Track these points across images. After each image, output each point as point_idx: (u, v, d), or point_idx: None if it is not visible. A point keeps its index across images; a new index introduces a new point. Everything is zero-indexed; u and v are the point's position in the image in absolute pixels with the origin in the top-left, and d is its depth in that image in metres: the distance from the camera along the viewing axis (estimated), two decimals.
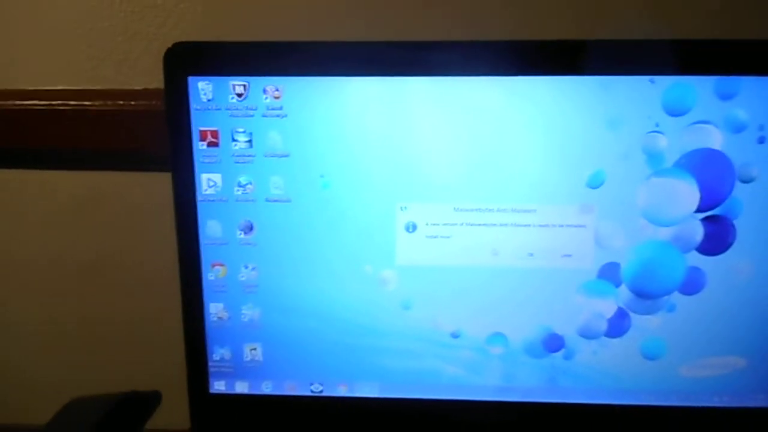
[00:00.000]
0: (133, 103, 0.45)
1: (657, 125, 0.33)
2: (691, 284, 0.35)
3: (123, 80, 0.45)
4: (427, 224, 0.35)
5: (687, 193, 0.33)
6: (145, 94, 0.45)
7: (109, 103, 0.45)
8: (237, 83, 0.34)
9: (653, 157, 0.33)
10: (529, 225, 0.35)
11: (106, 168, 0.47)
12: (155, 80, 0.43)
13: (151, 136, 0.43)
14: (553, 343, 0.36)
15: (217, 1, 0.43)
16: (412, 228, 0.35)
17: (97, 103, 0.45)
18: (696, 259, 0.34)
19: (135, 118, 0.44)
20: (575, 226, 0.35)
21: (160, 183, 0.38)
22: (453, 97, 0.34)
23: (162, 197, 0.38)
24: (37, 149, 0.47)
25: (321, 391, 0.38)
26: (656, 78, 0.32)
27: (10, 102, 0.46)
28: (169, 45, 0.34)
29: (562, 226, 0.35)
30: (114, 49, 0.45)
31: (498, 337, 0.36)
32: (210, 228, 0.36)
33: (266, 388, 0.38)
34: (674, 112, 0.33)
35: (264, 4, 0.43)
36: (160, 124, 0.36)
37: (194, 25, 0.44)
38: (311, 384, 0.38)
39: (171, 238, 0.37)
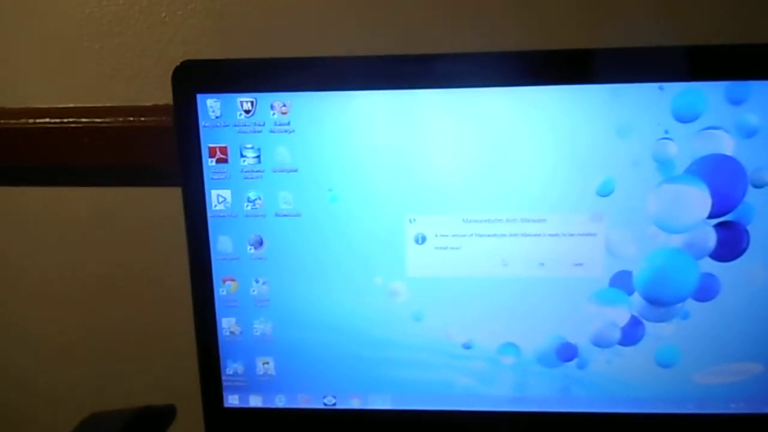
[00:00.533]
0: (143, 119, 0.45)
1: (667, 132, 0.33)
2: (705, 291, 0.34)
3: (133, 97, 0.46)
4: (436, 236, 0.35)
5: (699, 200, 0.33)
6: (155, 110, 0.45)
7: (120, 119, 0.45)
8: (245, 100, 0.34)
9: (664, 164, 0.33)
10: (539, 234, 0.34)
11: (117, 184, 0.48)
12: (165, 96, 0.44)
13: (162, 152, 0.44)
14: (566, 353, 0.36)
15: (225, 17, 0.44)
16: (421, 240, 0.35)
17: (107, 119, 0.45)
18: (709, 265, 0.34)
19: (145, 134, 0.45)
20: (586, 235, 0.34)
21: (171, 198, 0.39)
22: (461, 108, 0.34)
23: (173, 212, 0.38)
24: (48, 166, 0.48)
25: (334, 404, 0.38)
26: (665, 84, 0.32)
27: (23, 120, 0.46)
28: (179, 61, 0.35)
29: (572, 235, 0.34)
30: (124, 66, 0.46)
31: (510, 347, 0.36)
32: (221, 243, 0.36)
33: (280, 402, 0.38)
34: (684, 118, 0.32)
35: (271, 19, 0.43)
36: (170, 139, 0.36)
37: (203, 41, 0.45)
38: (324, 397, 0.38)
39: (183, 252, 0.37)
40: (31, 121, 0.46)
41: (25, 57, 0.46)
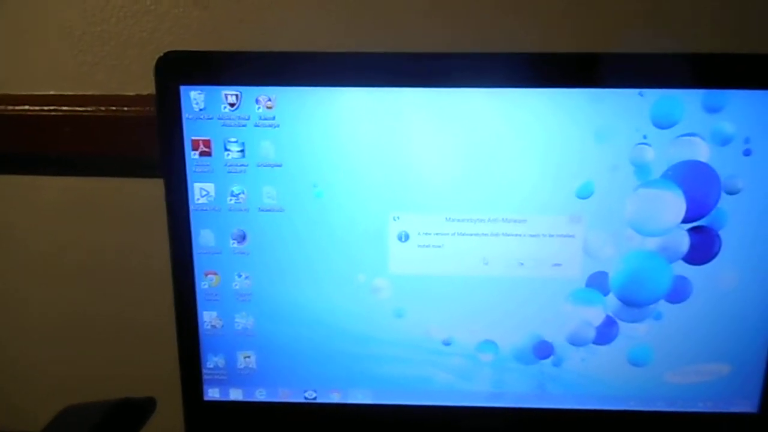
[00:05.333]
0: (125, 109, 0.45)
1: (645, 137, 0.33)
2: (678, 293, 0.35)
3: (116, 86, 0.45)
4: (419, 234, 0.35)
5: (674, 204, 0.34)
6: (138, 99, 0.45)
7: (102, 108, 0.45)
8: (229, 93, 0.34)
9: (641, 169, 0.34)
10: (519, 235, 0.35)
11: (98, 174, 0.47)
12: (149, 86, 0.43)
13: (144, 142, 0.43)
14: (543, 350, 0.37)
15: (211, 7, 0.43)
16: (404, 237, 0.35)
17: (89, 108, 0.45)
18: (682, 268, 0.35)
19: (128, 124, 0.44)
20: (564, 236, 0.35)
21: (153, 189, 0.38)
22: (444, 108, 0.34)
23: (155, 203, 0.38)
24: (28, 155, 0.47)
25: (314, 398, 0.38)
26: (645, 91, 0.33)
27: (2, 107, 0.45)
28: (163, 50, 0.34)
29: (551, 236, 0.35)
30: (107, 54, 0.45)
31: (488, 344, 0.37)
32: (203, 237, 0.36)
33: (260, 396, 0.38)
34: (662, 124, 0.33)
35: (260, 10, 0.43)
36: (153, 130, 0.36)
37: (188, 31, 0.44)
38: (305, 391, 0.38)
39: (165, 244, 0.37)
40: (9, 108, 0.45)
41: (4, 43, 0.45)
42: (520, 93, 0.33)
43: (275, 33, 0.43)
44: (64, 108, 0.45)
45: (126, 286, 0.49)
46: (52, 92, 0.45)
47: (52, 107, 0.45)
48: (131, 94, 0.45)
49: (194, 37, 0.44)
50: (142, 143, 0.43)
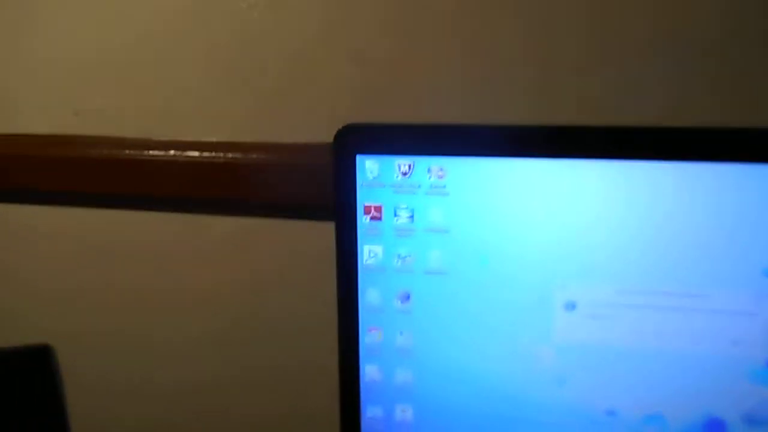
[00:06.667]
0: (284, 155, 0.47)
1: None
2: None
3: (275, 134, 0.48)
4: (587, 304, 0.35)
5: None
6: (294, 148, 0.47)
7: (261, 155, 0.48)
8: (402, 162, 0.36)
9: None
10: (697, 310, 0.34)
11: (258, 214, 0.50)
12: (306, 135, 0.46)
13: (300, 188, 0.46)
14: (714, 428, 0.35)
15: (379, 80, 0.45)
16: (571, 307, 0.35)
17: (252, 156, 0.48)
18: None
19: (286, 171, 0.47)
20: (747, 314, 0.33)
21: (315, 231, 0.40)
22: (621, 179, 0.33)
23: (320, 246, 0.39)
24: (191, 196, 0.51)
25: None
26: None
27: (171, 152, 0.50)
28: (316, 101, 0.35)
29: (732, 312, 0.33)
30: (265, 105, 0.48)
31: (656, 418, 0.36)
32: (369, 295, 0.38)
33: None
34: None
35: (432, 82, 0.44)
36: (309, 176, 0.37)
37: (344, 91, 0.46)
38: None
39: (328, 288, 0.39)
40: (177, 153, 0.49)
41: (173, 93, 0.49)
42: (709, 167, 0.32)
43: (446, 105, 0.43)
44: (229, 155, 0.48)
45: (291, 328, 0.51)
46: (213, 139, 0.49)
47: (215, 153, 0.49)
48: (289, 142, 0.47)
49: (347, 93, 0.46)
50: (298, 189, 0.46)
